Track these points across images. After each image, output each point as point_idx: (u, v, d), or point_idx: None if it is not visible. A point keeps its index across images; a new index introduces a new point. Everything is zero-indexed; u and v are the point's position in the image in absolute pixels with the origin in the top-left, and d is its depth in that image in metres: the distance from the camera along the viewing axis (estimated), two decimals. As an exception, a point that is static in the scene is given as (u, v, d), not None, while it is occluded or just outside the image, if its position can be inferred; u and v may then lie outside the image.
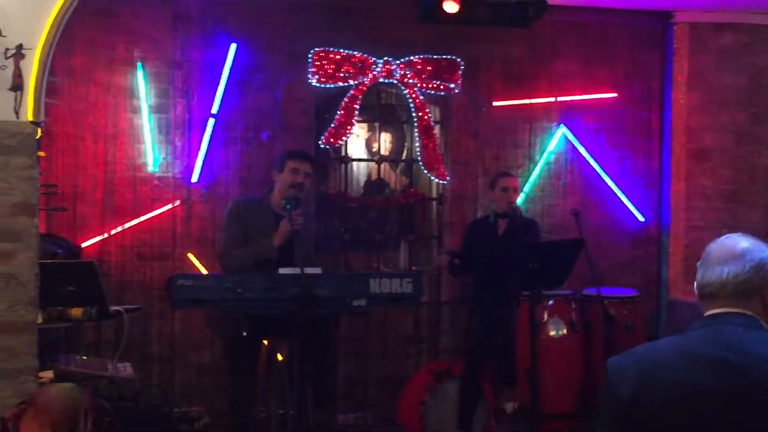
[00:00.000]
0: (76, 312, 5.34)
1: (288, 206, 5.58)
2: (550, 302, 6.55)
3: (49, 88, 4.99)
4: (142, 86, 6.84)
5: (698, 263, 2.77)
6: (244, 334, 5.38)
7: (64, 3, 4.79)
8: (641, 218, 7.86)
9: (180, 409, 6.49)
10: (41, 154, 5.01)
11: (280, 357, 6.14)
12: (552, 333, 6.52)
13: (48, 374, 5.11)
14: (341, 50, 7.11)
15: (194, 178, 6.96)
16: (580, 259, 6.40)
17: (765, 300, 2.65)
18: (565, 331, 6.54)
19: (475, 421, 6.90)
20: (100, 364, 5.64)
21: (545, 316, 6.51)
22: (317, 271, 5.34)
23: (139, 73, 6.83)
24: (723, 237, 2.78)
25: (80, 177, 6.76)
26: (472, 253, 6.85)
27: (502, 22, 4.97)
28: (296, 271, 5.12)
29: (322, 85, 7.13)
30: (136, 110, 6.86)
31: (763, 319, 2.65)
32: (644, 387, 2.56)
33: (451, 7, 4.91)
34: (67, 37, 5.82)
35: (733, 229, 7.88)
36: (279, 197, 5.79)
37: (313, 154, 7.18)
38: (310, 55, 7.05)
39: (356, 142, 7.61)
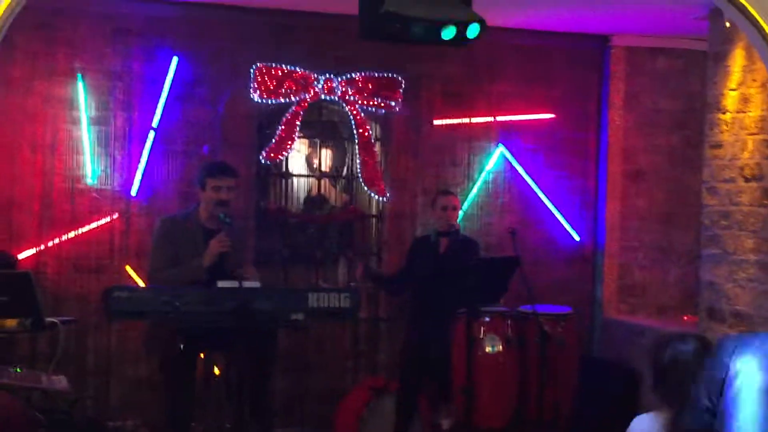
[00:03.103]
0: (11, 323, 5.31)
1: (227, 220, 5.59)
2: (487, 319, 6.67)
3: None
4: (82, 98, 6.81)
5: None
6: (181, 347, 5.38)
7: (3, 14, 4.77)
8: (577, 237, 7.99)
9: (115, 422, 6.47)
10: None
11: (217, 371, 6.14)
12: (488, 349, 6.64)
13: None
14: (283, 66, 7.15)
15: (133, 191, 6.93)
16: (517, 277, 6.49)
17: None
18: (500, 347, 6.66)
19: (411, 437, 6.95)
20: (34, 376, 5.58)
21: (481, 332, 6.62)
22: (256, 284, 5.35)
23: (79, 85, 6.80)
24: None
25: (17, 187, 6.70)
26: (412, 270, 6.91)
27: (441, 41, 5.03)
28: (234, 284, 5.13)
29: (264, 101, 7.16)
30: (76, 122, 6.83)
31: None
32: None
33: (392, 25, 4.96)
34: (8, 47, 5.81)
35: (665, 251, 8.10)
36: (206, 214, 5.79)
37: (254, 169, 7.21)
38: (252, 71, 7.07)
39: (297, 157, 7.64)
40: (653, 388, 3.55)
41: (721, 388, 2.93)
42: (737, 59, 6.35)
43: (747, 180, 6.25)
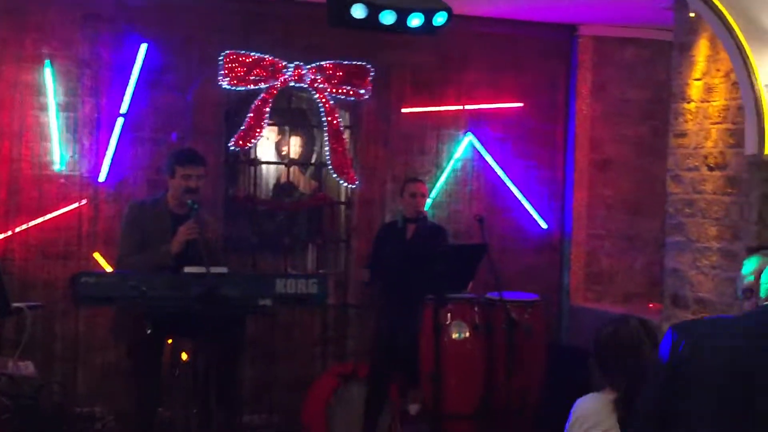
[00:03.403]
0: (-24, 308, 5.29)
1: (195, 206, 5.60)
2: (454, 305, 6.70)
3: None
4: (50, 84, 6.79)
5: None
6: (148, 332, 5.39)
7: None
8: (544, 226, 8.06)
9: (82, 408, 6.47)
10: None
11: (184, 356, 6.15)
12: (455, 335, 6.67)
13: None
14: (252, 53, 7.15)
15: (101, 178, 6.93)
16: (484, 264, 6.55)
17: None
18: (467, 333, 6.70)
19: (380, 424, 6.99)
20: (0, 362, 5.60)
21: (448, 318, 6.65)
22: (223, 270, 5.37)
23: (47, 71, 6.78)
24: None
25: (-16, 174, 6.69)
26: (380, 257, 6.96)
27: (409, 29, 5.07)
28: (202, 270, 5.14)
29: (233, 88, 7.16)
30: (44, 108, 6.81)
31: None
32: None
33: (359, 12, 4.99)
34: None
35: (631, 239, 8.16)
36: (174, 201, 5.80)
37: (223, 157, 7.22)
38: (221, 58, 7.08)
39: (266, 145, 7.66)
40: (597, 367, 3.65)
41: (671, 373, 2.99)
42: (701, 49, 6.42)
43: (710, 168, 6.33)
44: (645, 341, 3.57)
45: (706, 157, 6.39)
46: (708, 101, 6.37)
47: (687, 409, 2.93)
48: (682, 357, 2.97)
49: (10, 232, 6.71)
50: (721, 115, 6.27)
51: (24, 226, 6.75)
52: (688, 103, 6.53)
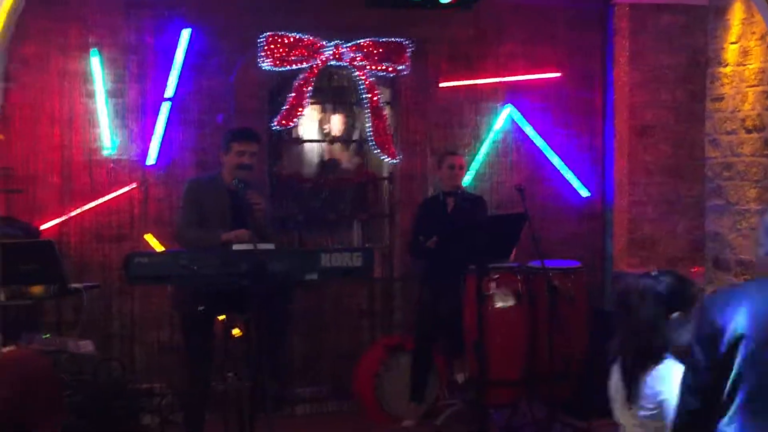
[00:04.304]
0: (37, 289, 5.49)
1: (241, 185, 5.74)
2: (497, 275, 6.79)
3: (4, 75, 5.12)
4: (98, 71, 6.97)
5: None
6: (200, 309, 5.57)
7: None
8: (586, 193, 8.12)
9: (141, 385, 6.68)
10: (0, 137, 5.14)
11: (236, 332, 6.33)
12: (498, 304, 6.77)
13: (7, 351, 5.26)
14: (292, 34, 7.28)
15: (150, 161, 7.11)
16: (526, 234, 6.64)
17: None
18: (510, 302, 6.79)
19: (427, 393, 7.14)
20: (61, 342, 5.80)
21: (491, 288, 6.75)
22: (270, 246, 5.51)
23: (94, 59, 6.96)
24: None
25: (37, 161, 6.88)
26: (423, 231, 7.07)
27: (441, 5, 5.16)
28: (250, 247, 5.28)
29: (274, 69, 7.30)
30: (91, 95, 6.99)
31: None
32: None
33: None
34: (21, 24, 5.97)
35: (673, 204, 8.17)
36: (228, 177, 5.95)
37: (266, 136, 7.36)
38: (261, 40, 7.21)
39: (308, 123, 7.80)
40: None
41: (715, 343, 2.94)
42: (736, 13, 6.45)
43: (748, 131, 6.38)
44: (634, 297, 3.64)
45: (743, 120, 6.44)
46: (744, 64, 6.41)
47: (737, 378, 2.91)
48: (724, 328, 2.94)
49: (65, 216, 6.92)
50: (758, 77, 6.31)
51: (78, 210, 6.95)
52: (725, 66, 6.57)
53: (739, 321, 2.89)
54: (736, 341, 2.87)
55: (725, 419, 2.89)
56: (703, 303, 3.21)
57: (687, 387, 3.07)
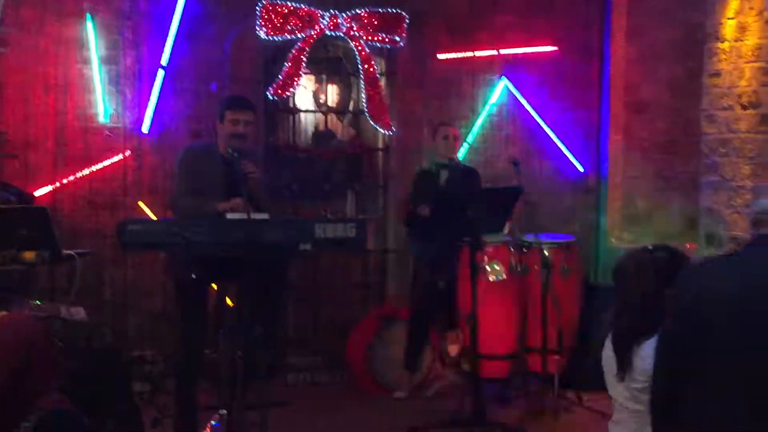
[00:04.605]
0: (29, 255, 5.45)
1: (235, 154, 5.72)
2: (490, 248, 6.80)
3: (-1, 39, 5.10)
4: (92, 37, 6.93)
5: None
6: (193, 276, 5.56)
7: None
8: (581, 168, 8.12)
9: (133, 352, 6.69)
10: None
11: (229, 300, 6.34)
12: (491, 277, 6.77)
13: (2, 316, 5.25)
14: (289, 3, 7.24)
15: (145, 129, 7.08)
16: (521, 207, 6.65)
17: None
18: (504, 275, 6.80)
19: (420, 364, 7.16)
20: (53, 308, 5.78)
21: (485, 260, 6.76)
22: (264, 216, 5.50)
23: (89, 25, 6.92)
24: None
25: (31, 127, 6.86)
26: (416, 202, 7.07)
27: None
28: (243, 216, 5.27)
29: (270, 38, 7.26)
30: (87, 61, 6.95)
31: None
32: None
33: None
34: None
35: (667, 180, 8.17)
36: (223, 146, 5.93)
37: (262, 106, 7.33)
38: (258, 8, 7.17)
39: (304, 93, 7.77)
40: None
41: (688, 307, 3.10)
42: (735, -12, 6.42)
43: (744, 107, 6.37)
44: (629, 271, 3.68)
45: (739, 96, 6.42)
46: (741, 40, 6.39)
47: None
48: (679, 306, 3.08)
49: (58, 183, 6.90)
50: (755, 53, 6.29)
51: (71, 177, 6.94)
52: (722, 42, 6.55)
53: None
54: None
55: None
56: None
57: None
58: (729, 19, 6.46)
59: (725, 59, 6.52)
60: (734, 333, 3.02)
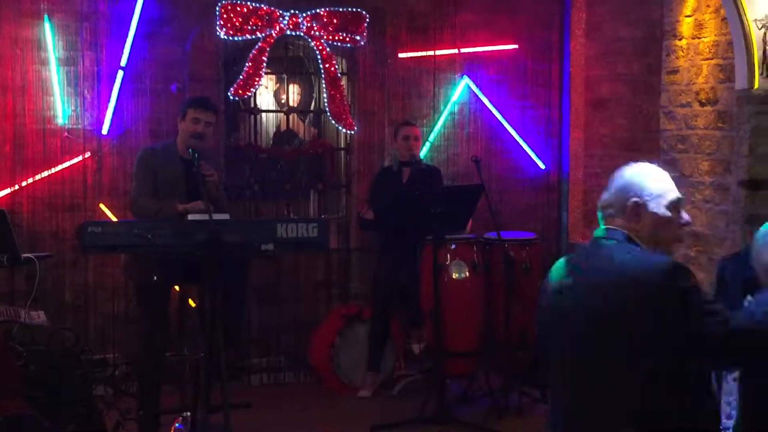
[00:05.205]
0: (-13, 259, 5.42)
1: (195, 155, 5.70)
2: (453, 245, 6.83)
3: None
4: (50, 39, 6.87)
5: None
6: (155, 278, 5.54)
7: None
8: (542, 166, 8.16)
9: (94, 355, 6.63)
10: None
11: (191, 302, 6.32)
12: (455, 275, 6.81)
13: (-40, 321, 5.20)
14: (248, 3, 7.22)
15: (104, 130, 7.02)
16: (483, 205, 6.68)
17: (628, 218, 2.98)
18: (467, 273, 6.83)
19: (384, 362, 7.17)
20: (13, 312, 5.73)
21: (448, 258, 6.79)
22: (225, 216, 5.49)
23: (46, 26, 6.86)
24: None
25: (-11, 129, 6.79)
26: (377, 201, 7.09)
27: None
28: (205, 217, 5.26)
29: (231, 38, 7.24)
30: (45, 63, 6.88)
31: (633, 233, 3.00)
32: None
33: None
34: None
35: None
36: (182, 145, 5.91)
37: (222, 106, 7.31)
38: (218, 8, 7.14)
39: (265, 93, 7.76)
40: None
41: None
42: (692, -15, 6.49)
43: (702, 104, 6.44)
44: None
45: (697, 93, 6.50)
46: (699, 37, 6.46)
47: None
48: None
49: (16, 186, 6.83)
50: (712, 50, 6.36)
51: (30, 180, 6.87)
52: (680, 39, 6.62)
53: None
54: None
55: None
56: None
57: None
58: (686, 16, 6.53)
59: (683, 56, 6.59)
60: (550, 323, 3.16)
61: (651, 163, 3.24)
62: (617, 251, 2.99)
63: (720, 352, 2.86)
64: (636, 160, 8.09)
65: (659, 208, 3.03)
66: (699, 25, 6.43)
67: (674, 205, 3.07)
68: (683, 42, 6.56)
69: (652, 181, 3.07)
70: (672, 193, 3.07)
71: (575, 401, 3.03)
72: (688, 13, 6.51)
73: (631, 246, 3.01)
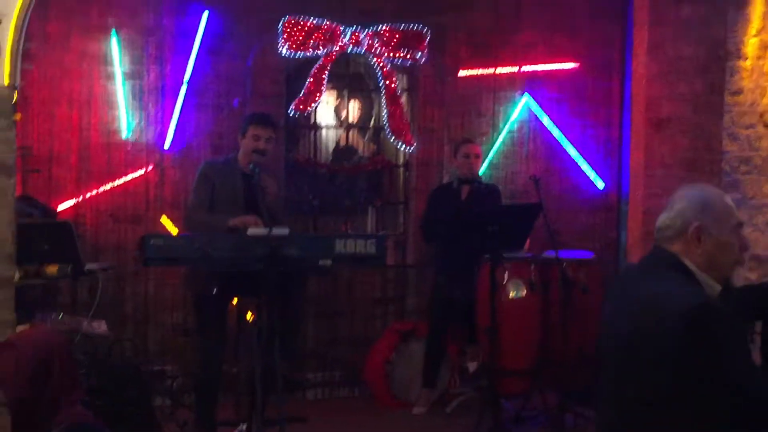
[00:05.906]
0: (52, 269, 5.50)
1: (256, 170, 5.76)
2: (510, 264, 6.80)
3: (24, 54, 5.13)
4: (116, 53, 6.99)
5: None
6: (214, 291, 5.60)
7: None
8: (601, 185, 8.11)
9: (154, 366, 6.71)
10: (17, 116, 5.15)
11: (249, 316, 6.36)
12: (512, 294, 6.77)
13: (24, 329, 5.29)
14: (311, 19, 7.28)
15: (167, 144, 7.13)
16: (541, 224, 6.64)
17: (688, 241, 2.95)
18: (524, 292, 6.79)
19: (439, 380, 7.16)
20: (75, 322, 5.82)
21: (505, 277, 6.76)
22: (284, 231, 5.53)
23: (113, 40, 6.98)
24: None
25: (55, 142, 6.90)
26: (436, 217, 7.09)
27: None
28: (264, 231, 5.30)
29: (292, 54, 7.31)
30: (110, 77, 7.00)
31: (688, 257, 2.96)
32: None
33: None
34: (42, 4, 5.97)
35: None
36: (244, 161, 5.97)
37: (283, 121, 7.37)
38: (280, 24, 7.22)
39: (325, 109, 7.81)
40: None
41: None
42: (757, 6, 6.41)
43: (766, 126, 6.34)
44: None
45: (762, 114, 6.40)
46: (764, 58, 6.37)
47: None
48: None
49: (81, 197, 6.95)
50: (777, 72, 6.27)
51: (94, 192, 6.98)
52: (744, 60, 6.53)
53: None
54: None
55: None
56: None
57: None
58: (751, 37, 6.44)
59: (747, 77, 6.50)
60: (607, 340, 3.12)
61: (712, 184, 3.17)
62: (652, 278, 2.96)
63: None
64: (697, 180, 8.09)
65: (721, 232, 2.99)
66: (764, 46, 6.35)
67: (735, 229, 3.03)
68: (748, 63, 6.48)
69: (714, 205, 3.03)
70: (734, 217, 3.04)
71: (607, 420, 3.02)
72: (753, 33, 6.42)
73: (672, 273, 2.96)
